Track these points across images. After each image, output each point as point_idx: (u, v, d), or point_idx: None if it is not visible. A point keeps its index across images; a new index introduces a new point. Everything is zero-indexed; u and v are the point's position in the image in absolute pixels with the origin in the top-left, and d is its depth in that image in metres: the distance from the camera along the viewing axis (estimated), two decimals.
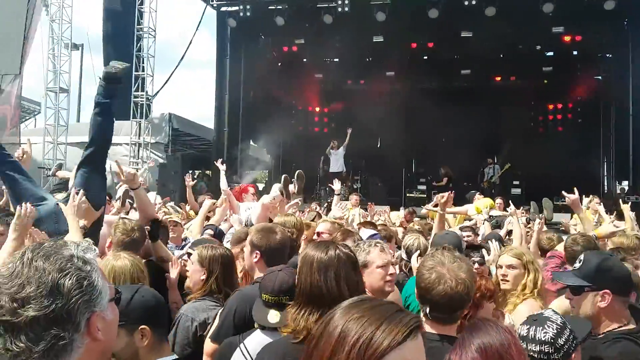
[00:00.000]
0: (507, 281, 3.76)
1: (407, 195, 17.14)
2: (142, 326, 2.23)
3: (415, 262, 4.06)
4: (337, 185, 8.35)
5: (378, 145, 21.24)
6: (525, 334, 2.22)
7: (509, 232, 6.96)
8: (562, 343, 2.18)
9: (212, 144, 19.14)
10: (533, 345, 2.18)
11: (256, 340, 2.47)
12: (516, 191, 17.02)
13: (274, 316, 2.47)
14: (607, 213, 7.58)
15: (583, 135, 19.57)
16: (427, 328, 2.34)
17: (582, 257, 2.80)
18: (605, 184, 18.55)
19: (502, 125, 20.65)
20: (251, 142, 20.27)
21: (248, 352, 2.43)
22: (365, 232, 4.69)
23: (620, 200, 7.97)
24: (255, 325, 2.61)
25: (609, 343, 2.59)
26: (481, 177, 18.67)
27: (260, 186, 16.04)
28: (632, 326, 2.69)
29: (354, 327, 1.10)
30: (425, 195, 17.18)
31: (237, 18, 17.57)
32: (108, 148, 5.25)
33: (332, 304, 2.08)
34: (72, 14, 18.86)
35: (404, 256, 4.65)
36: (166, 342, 2.46)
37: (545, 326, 2.20)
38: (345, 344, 1.08)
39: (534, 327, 2.22)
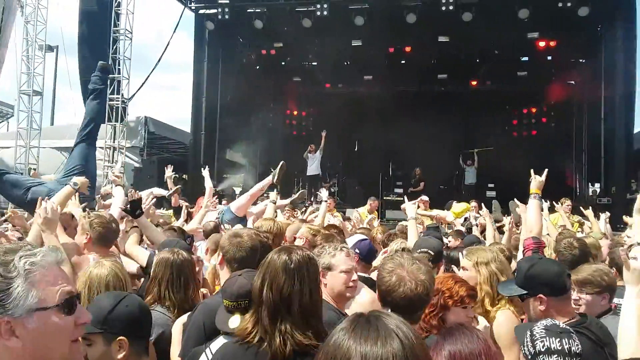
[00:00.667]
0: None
1: (385, 198, 17.21)
2: (121, 337, 2.20)
3: (377, 263, 4.08)
4: (324, 193, 8.22)
5: (355, 149, 21.34)
6: (559, 348, 2.20)
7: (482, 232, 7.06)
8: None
9: (189, 148, 19.00)
10: (568, 359, 2.18)
11: (219, 345, 2.45)
12: (491, 194, 17.22)
13: (234, 321, 2.43)
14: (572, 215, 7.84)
15: (556, 139, 19.92)
16: None
17: (517, 265, 2.90)
18: (578, 186, 18.88)
19: (478, 129, 20.92)
20: (228, 147, 20.17)
21: (212, 353, 2.42)
22: (354, 238, 4.55)
23: (590, 207, 8.15)
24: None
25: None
26: (458, 178, 18.90)
27: (237, 190, 15.94)
28: (576, 319, 2.80)
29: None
30: (402, 199, 17.24)
31: (215, 21, 17.49)
32: (100, 126, 5.83)
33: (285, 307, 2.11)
34: (47, 15, 18.63)
35: None
36: (146, 354, 2.40)
37: (574, 338, 2.24)
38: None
39: (565, 339, 2.22)
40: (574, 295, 3.30)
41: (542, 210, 4.94)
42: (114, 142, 17.81)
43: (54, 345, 1.42)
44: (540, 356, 2.22)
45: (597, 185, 16.99)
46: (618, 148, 15.49)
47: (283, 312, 2.15)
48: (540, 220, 4.60)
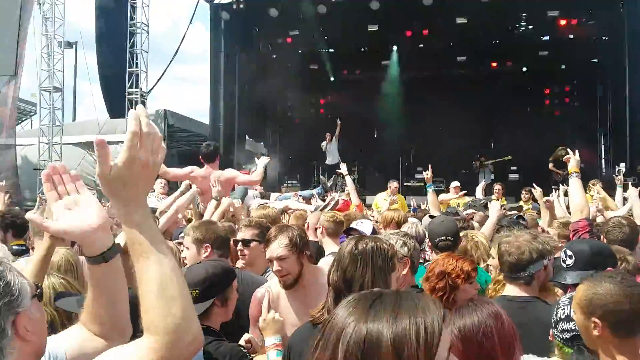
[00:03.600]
0: None
1: (405, 184, 17.10)
2: None
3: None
4: (343, 167, 8.46)
5: (375, 135, 21.21)
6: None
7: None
8: None
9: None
10: None
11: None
12: (514, 177, 17.02)
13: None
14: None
15: (580, 119, 19.56)
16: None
17: (569, 252, 2.80)
18: (603, 166, 18.55)
19: (499, 111, 20.63)
20: (247, 137, 20.20)
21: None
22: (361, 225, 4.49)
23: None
24: None
25: None
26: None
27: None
28: None
29: (403, 333, 1.02)
30: (423, 184, 17.15)
31: (231, 11, 17.47)
32: None
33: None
34: (65, 12, 18.75)
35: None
36: None
37: None
38: (405, 355, 1.00)
39: None
40: None
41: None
42: None
43: (44, 334, 1.38)
44: (560, 323, 2.27)
45: (622, 164, 16.65)
46: None
47: (344, 294, 2.20)
48: (586, 200, 4.44)
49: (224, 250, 3.72)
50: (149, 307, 1.22)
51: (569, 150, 4.58)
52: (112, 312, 1.53)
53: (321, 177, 16.11)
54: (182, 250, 3.78)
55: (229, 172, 7.70)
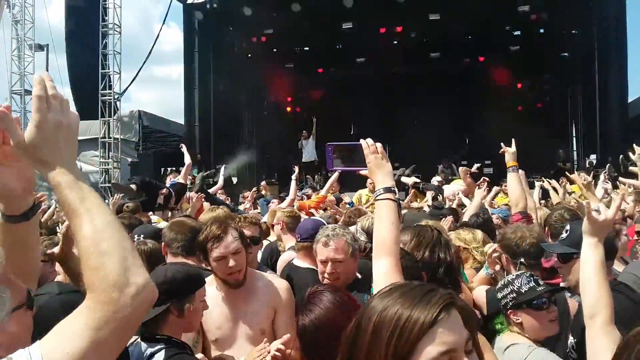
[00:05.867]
0: None
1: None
2: None
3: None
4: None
5: (352, 132, 21.29)
6: (510, 280, 2.62)
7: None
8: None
9: (184, 140, 18.94)
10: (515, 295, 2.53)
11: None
12: (488, 170, 17.24)
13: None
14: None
15: (552, 112, 19.91)
16: None
17: (568, 227, 2.85)
18: (575, 158, 18.91)
19: (473, 106, 20.87)
20: (223, 137, 20.12)
21: None
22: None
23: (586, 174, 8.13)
24: None
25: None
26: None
27: (235, 180, 15.96)
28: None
29: (386, 320, 1.08)
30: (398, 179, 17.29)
31: (204, 10, 17.37)
32: None
33: None
34: (35, 14, 18.48)
35: (363, 238, 4.16)
36: None
37: (526, 279, 2.59)
38: (380, 338, 1.07)
39: (518, 278, 2.57)
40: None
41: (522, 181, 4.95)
42: (108, 137, 17.71)
43: (22, 347, 1.25)
44: (499, 291, 2.59)
45: (592, 156, 17.02)
46: (613, 118, 15.50)
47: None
48: (523, 193, 4.62)
49: None
50: (84, 264, 1.16)
51: (502, 144, 4.71)
52: (26, 262, 1.47)
53: (308, 176, 16.16)
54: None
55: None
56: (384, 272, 1.90)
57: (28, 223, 1.40)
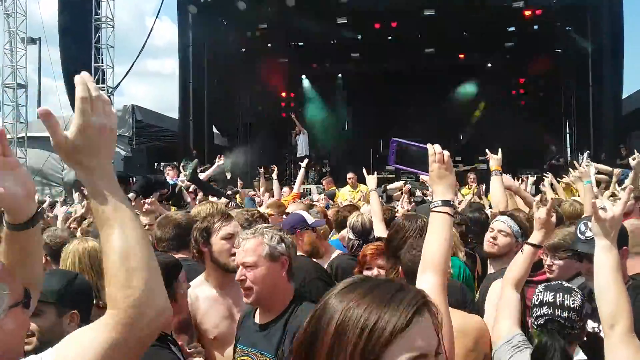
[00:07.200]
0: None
1: (378, 176, 17.21)
2: (73, 311, 2.21)
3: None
4: (305, 161, 8.83)
5: (345, 128, 21.32)
6: (551, 300, 2.25)
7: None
8: (585, 313, 2.25)
9: (178, 135, 18.89)
10: (561, 311, 2.21)
11: None
12: (482, 166, 17.28)
13: None
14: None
15: (545, 108, 19.97)
16: None
17: (589, 224, 2.64)
18: (569, 154, 18.97)
19: (467, 101, 20.93)
20: (216, 131, 20.06)
21: None
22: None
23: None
24: None
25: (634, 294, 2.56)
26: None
27: (228, 175, 15.92)
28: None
29: (350, 322, 0.98)
30: (394, 176, 17.32)
31: (198, 4, 17.26)
32: None
33: None
34: (27, 7, 18.33)
35: (351, 236, 4.29)
36: None
37: (572, 294, 2.25)
38: (344, 341, 0.97)
39: (561, 294, 2.25)
40: (547, 261, 3.27)
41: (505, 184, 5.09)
42: None
43: (16, 344, 1.27)
44: (534, 309, 2.29)
45: (586, 152, 17.07)
46: (606, 114, 15.55)
47: None
48: (504, 196, 4.80)
49: None
50: (110, 278, 1.14)
51: (487, 151, 5.02)
52: (30, 270, 1.44)
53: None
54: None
55: None
56: (426, 290, 1.81)
57: (32, 230, 1.38)
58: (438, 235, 1.86)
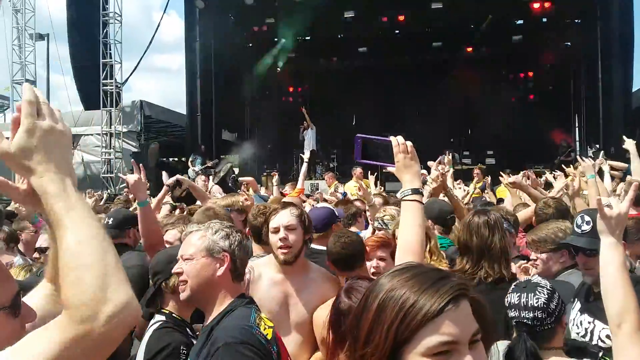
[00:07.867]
0: None
1: (383, 171, 17.19)
2: None
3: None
4: (306, 154, 8.73)
5: (353, 123, 21.26)
6: (516, 302, 2.22)
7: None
8: (554, 308, 2.19)
9: (186, 130, 18.93)
10: (526, 312, 2.18)
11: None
12: (490, 161, 17.24)
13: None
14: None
15: (554, 102, 19.82)
16: None
17: (586, 217, 2.71)
18: (578, 148, 18.86)
19: (475, 95, 20.80)
20: (225, 128, 20.09)
21: None
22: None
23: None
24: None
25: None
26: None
27: (237, 170, 15.95)
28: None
29: (391, 302, 1.07)
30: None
31: None
32: None
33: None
34: (35, 2, 18.41)
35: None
36: None
37: (537, 292, 2.21)
38: (383, 318, 1.06)
39: (525, 294, 2.21)
40: (532, 255, 3.26)
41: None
42: (110, 127, 17.70)
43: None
44: (509, 310, 2.27)
45: (596, 146, 16.98)
46: (616, 108, 15.43)
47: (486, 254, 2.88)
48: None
49: None
50: (62, 278, 1.09)
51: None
52: None
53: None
54: None
55: None
56: None
57: None
58: (412, 223, 1.96)
